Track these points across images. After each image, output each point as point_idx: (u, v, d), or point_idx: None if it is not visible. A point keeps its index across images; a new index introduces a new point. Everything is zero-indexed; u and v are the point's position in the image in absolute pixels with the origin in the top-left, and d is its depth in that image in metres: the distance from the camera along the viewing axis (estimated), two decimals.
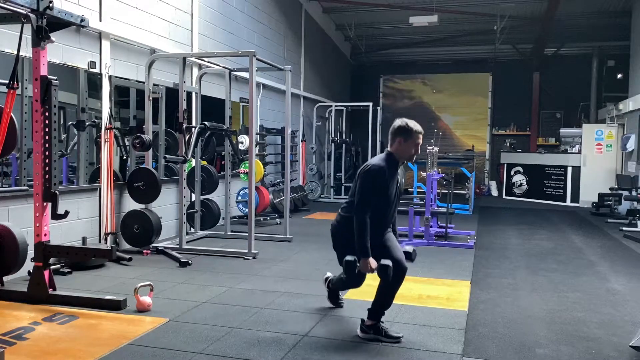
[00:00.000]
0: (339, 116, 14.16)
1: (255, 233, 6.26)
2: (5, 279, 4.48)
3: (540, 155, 13.61)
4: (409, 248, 3.59)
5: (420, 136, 3.48)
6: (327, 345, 3.43)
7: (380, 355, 3.28)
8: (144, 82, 6.46)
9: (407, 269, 3.52)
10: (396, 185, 3.54)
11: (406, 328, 3.74)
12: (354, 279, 3.65)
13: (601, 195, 10.82)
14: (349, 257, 3.42)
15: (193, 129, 6.56)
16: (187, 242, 6.52)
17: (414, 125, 3.47)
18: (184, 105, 6.26)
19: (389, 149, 3.53)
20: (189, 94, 7.35)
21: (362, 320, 3.58)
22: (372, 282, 3.74)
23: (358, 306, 4.06)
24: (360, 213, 3.37)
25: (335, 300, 4.19)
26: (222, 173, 7.66)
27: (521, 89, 15.49)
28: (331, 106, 13.19)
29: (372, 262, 3.37)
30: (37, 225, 4.20)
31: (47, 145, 4.16)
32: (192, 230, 7.32)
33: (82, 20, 4.41)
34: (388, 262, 3.33)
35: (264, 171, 9.05)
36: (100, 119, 5.98)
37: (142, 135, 6.06)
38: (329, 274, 4.20)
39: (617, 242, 7.61)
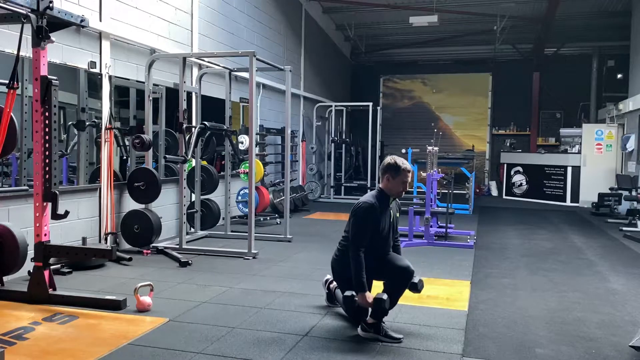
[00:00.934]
0: (339, 116, 14.16)
1: (255, 233, 6.26)
2: (5, 279, 4.48)
3: (540, 155, 13.61)
4: (415, 279, 3.62)
5: (409, 175, 3.61)
6: (327, 345, 3.43)
7: (380, 355, 3.28)
8: (144, 82, 6.46)
9: (413, 272, 3.60)
10: (389, 219, 3.67)
11: (406, 328, 3.74)
12: (353, 313, 3.69)
13: (601, 195, 10.82)
14: (347, 293, 3.53)
15: (193, 129, 6.55)
16: (187, 242, 6.52)
17: (402, 163, 3.61)
18: (184, 105, 6.26)
19: (379, 185, 3.68)
20: (189, 94, 7.35)
21: (364, 319, 3.59)
22: (376, 282, 3.75)
23: None
24: (354, 250, 3.49)
25: (333, 300, 4.18)
26: (222, 173, 7.66)
27: (521, 89, 15.49)
28: (331, 106, 13.19)
29: (369, 297, 3.45)
30: (37, 225, 4.20)
31: (47, 145, 4.16)
32: (192, 230, 7.32)
33: (82, 20, 4.41)
34: (383, 295, 3.43)
35: (264, 171, 9.05)
36: (100, 119, 5.98)
37: (142, 135, 6.05)
38: (329, 276, 4.20)
39: (617, 242, 7.61)
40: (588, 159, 12.32)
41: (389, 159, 3.65)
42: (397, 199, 3.80)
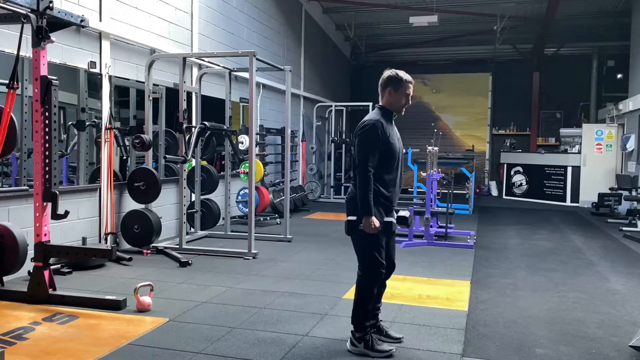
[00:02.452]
0: (339, 116, 14.16)
1: (255, 233, 6.26)
2: (5, 279, 4.48)
3: (540, 155, 13.61)
4: (405, 213, 3.46)
5: (411, 86, 3.34)
6: (327, 345, 3.43)
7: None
8: (144, 82, 6.46)
9: (394, 267, 3.47)
10: (397, 139, 3.37)
11: (406, 328, 3.74)
12: (377, 257, 3.24)
13: (601, 195, 10.82)
14: (350, 217, 3.23)
15: (193, 129, 6.55)
16: (187, 242, 6.52)
17: (404, 74, 3.34)
18: (184, 105, 6.26)
19: (380, 103, 3.38)
20: (189, 94, 7.35)
21: (352, 332, 3.36)
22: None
23: None
24: (362, 170, 3.16)
25: (381, 332, 3.49)
26: (222, 173, 7.66)
27: (521, 89, 15.49)
28: (331, 106, 13.19)
29: (376, 221, 3.14)
30: (37, 225, 4.21)
31: (47, 145, 4.16)
32: (192, 230, 7.32)
33: (82, 20, 4.41)
34: (406, 213, 3.28)
35: (264, 171, 9.05)
36: (100, 119, 5.98)
37: (142, 135, 6.06)
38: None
39: (617, 242, 7.61)
40: (588, 159, 12.32)
41: (388, 72, 3.34)
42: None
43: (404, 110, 3.38)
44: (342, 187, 13.19)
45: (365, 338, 3.30)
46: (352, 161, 3.37)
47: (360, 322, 3.30)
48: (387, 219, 3.22)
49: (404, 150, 3.60)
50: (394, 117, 3.40)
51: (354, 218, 3.21)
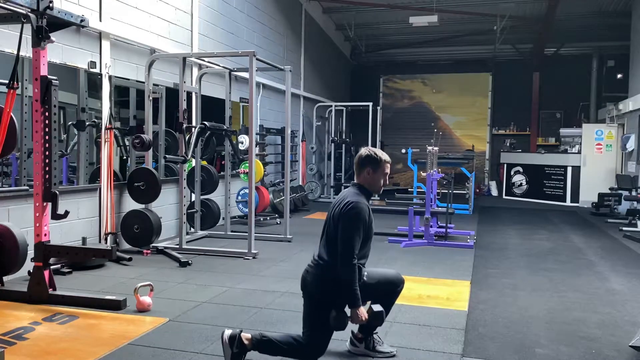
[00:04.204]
0: (339, 116, 14.16)
1: (255, 233, 6.26)
2: (5, 279, 4.48)
3: (540, 155, 13.61)
4: (377, 307, 3.03)
5: (389, 165, 3.16)
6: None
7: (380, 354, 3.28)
8: (144, 82, 6.46)
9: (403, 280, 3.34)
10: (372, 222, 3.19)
11: (406, 328, 3.74)
12: (328, 339, 3.08)
13: (601, 195, 10.82)
14: (335, 312, 2.95)
15: (193, 129, 6.56)
16: (187, 242, 6.52)
17: (382, 154, 3.16)
18: (184, 105, 6.26)
19: (355, 180, 3.19)
20: (189, 94, 7.35)
21: (353, 332, 3.36)
22: None
23: None
24: (349, 261, 2.92)
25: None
26: (222, 173, 7.66)
27: (521, 89, 15.49)
28: (331, 106, 13.19)
29: (364, 312, 2.98)
30: (37, 225, 4.20)
31: (47, 145, 4.16)
32: (192, 230, 7.32)
33: (82, 20, 4.41)
34: (378, 307, 3.02)
35: (264, 171, 9.05)
36: (100, 119, 5.98)
37: (142, 135, 6.06)
38: (230, 330, 3.05)
39: (617, 242, 7.61)
40: (588, 159, 12.32)
41: (365, 151, 3.17)
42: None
43: (381, 190, 3.21)
44: (342, 187, 13.17)
45: (366, 339, 3.29)
46: (326, 238, 3.08)
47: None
48: (375, 308, 2.99)
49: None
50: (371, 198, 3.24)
51: (337, 313, 2.95)
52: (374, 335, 3.31)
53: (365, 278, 3.13)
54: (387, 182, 3.23)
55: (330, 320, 2.95)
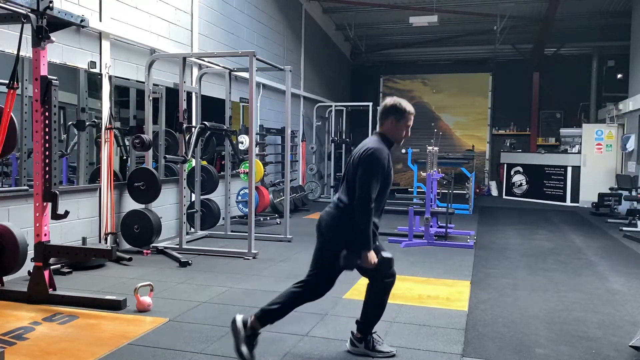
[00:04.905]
0: (339, 116, 14.15)
1: (255, 233, 6.26)
2: (5, 279, 4.48)
3: (540, 155, 13.62)
4: (387, 254, 3.16)
5: (412, 117, 3.21)
6: (327, 345, 3.43)
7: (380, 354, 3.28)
8: (144, 82, 6.46)
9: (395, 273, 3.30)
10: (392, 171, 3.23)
11: (406, 328, 3.74)
12: (330, 283, 3.23)
13: (601, 195, 10.82)
14: (346, 251, 3.05)
15: (193, 129, 6.56)
16: (187, 242, 6.52)
17: (407, 105, 3.20)
18: (184, 105, 6.26)
19: (378, 130, 3.25)
20: (189, 94, 7.35)
21: (352, 333, 3.36)
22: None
23: (358, 307, 4.05)
24: (365, 203, 2.98)
25: (253, 345, 3.14)
26: (222, 173, 7.66)
27: (521, 89, 15.49)
28: (331, 106, 13.18)
29: (374, 256, 3.04)
30: (37, 225, 4.20)
31: (47, 145, 4.16)
32: (192, 230, 7.32)
33: (82, 20, 4.41)
34: (388, 254, 3.11)
35: (264, 171, 9.05)
36: (100, 119, 5.98)
37: (142, 135, 6.06)
38: (241, 316, 3.15)
39: (617, 242, 7.61)
40: (588, 159, 12.32)
41: (390, 100, 3.20)
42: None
43: (402, 141, 3.28)
44: None
45: (366, 338, 3.29)
46: (346, 183, 3.15)
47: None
48: (385, 254, 3.12)
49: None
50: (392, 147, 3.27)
51: (347, 254, 3.04)
52: (374, 335, 3.31)
53: (377, 242, 3.18)
54: (409, 134, 3.26)
55: (341, 259, 3.05)
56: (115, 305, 4.06)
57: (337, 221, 3.13)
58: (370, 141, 3.16)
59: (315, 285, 3.21)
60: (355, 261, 3.05)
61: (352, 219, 3.03)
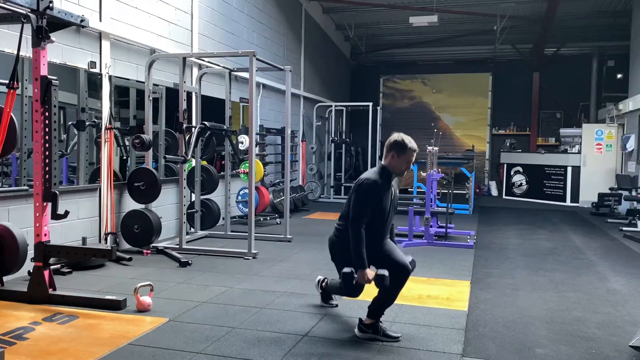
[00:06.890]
0: (339, 116, 14.16)
1: (255, 233, 6.26)
2: (5, 279, 4.48)
3: (540, 155, 13.61)
4: (383, 271, 3.40)
5: (414, 154, 3.52)
6: (327, 345, 3.43)
7: (380, 354, 3.28)
8: (144, 82, 6.46)
9: (411, 271, 3.53)
10: (391, 197, 3.57)
11: (406, 328, 3.74)
12: (352, 290, 3.64)
13: (601, 195, 10.82)
14: (346, 269, 3.45)
15: (193, 129, 6.56)
16: (187, 242, 6.52)
17: (410, 142, 3.50)
18: (184, 105, 6.26)
19: (382, 162, 3.58)
20: (189, 94, 7.35)
21: (360, 320, 3.60)
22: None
23: (358, 306, 4.06)
24: (354, 225, 3.40)
25: (327, 299, 4.23)
26: (222, 173, 7.66)
27: (521, 89, 15.50)
28: (331, 106, 13.19)
29: (369, 273, 3.39)
30: (37, 225, 4.20)
31: (47, 145, 4.16)
32: (192, 230, 7.32)
33: (82, 20, 4.41)
34: (384, 272, 3.37)
35: (264, 171, 9.05)
36: (100, 119, 5.98)
37: (142, 135, 6.05)
38: (320, 277, 4.28)
39: (617, 242, 7.61)
40: (588, 159, 12.32)
41: (395, 136, 3.53)
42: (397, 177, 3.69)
43: (404, 173, 3.61)
44: (342, 187, 13.20)
45: (374, 325, 3.50)
46: (345, 207, 3.60)
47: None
48: (380, 272, 3.39)
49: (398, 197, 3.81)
50: (394, 178, 3.60)
51: (348, 271, 3.44)
52: (380, 324, 3.54)
53: (383, 247, 3.57)
54: (410, 169, 3.62)
55: (341, 275, 3.51)
56: (115, 305, 4.06)
57: (337, 240, 3.62)
58: (369, 172, 3.58)
59: (347, 289, 3.70)
60: (351, 279, 3.43)
61: (348, 238, 3.45)
